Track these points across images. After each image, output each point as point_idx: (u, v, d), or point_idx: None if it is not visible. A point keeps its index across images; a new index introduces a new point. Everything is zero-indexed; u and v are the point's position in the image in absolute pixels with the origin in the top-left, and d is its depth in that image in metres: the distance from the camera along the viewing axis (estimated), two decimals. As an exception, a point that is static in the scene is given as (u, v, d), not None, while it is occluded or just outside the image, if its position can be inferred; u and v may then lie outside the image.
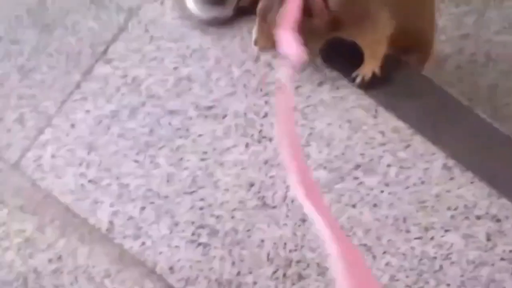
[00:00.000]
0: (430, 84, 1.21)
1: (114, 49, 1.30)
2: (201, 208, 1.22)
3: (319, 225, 0.78)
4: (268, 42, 1.15)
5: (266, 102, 1.24)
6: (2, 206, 1.24)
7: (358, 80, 1.24)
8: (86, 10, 1.32)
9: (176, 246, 1.21)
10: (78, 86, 1.29)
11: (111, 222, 1.23)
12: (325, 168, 1.21)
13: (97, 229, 1.22)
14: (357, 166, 1.21)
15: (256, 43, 1.17)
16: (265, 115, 1.24)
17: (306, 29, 1.10)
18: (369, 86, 1.23)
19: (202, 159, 1.23)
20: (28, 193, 1.25)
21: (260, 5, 1.14)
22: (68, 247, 1.22)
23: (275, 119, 0.94)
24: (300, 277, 1.20)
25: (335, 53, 1.22)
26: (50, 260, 1.22)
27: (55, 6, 1.34)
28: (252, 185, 1.22)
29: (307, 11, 1.09)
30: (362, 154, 1.21)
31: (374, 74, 1.22)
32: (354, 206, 1.20)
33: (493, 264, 1.18)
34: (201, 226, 1.22)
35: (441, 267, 1.18)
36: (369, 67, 1.22)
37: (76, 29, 1.32)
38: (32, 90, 1.29)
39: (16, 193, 1.25)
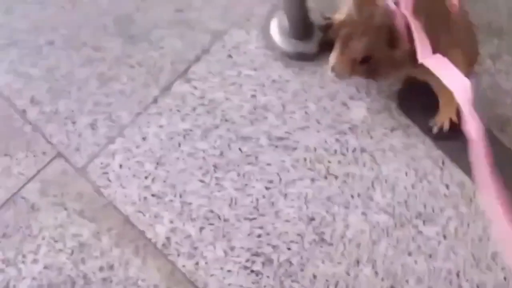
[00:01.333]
0: (500, 145, 1.47)
1: (195, 69, 1.58)
2: (259, 236, 1.47)
3: None
4: (345, 70, 1.37)
5: (337, 140, 1.50)
6: (62, 209, 1.50)
7: (435, 130, 1.49)
8: (173, 27, 1.61)
9: (229, 271, 1.45)
10: (155, 100, 1.56)
11: (168, 238, 1.47)
12: (386, 212, 1.45)
13: (153, 243, 1.47)
14: (418, 215, 1.46)
15: (333, 69, 1.38)
16: (334, 153, 1.50)
17: (388, 59, 1.35)
18: (445, 137, 1.49)
19: (267, 188, 1.48)
20: (89, 199, 1.51)
21: (342, 32, 1.36)
22: (121, 257, 1.47)
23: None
24: (348, 316, 1.40)
25: (412, 102, 1.49)
26: (101, 268, 1.47)
27: (142, 19, 1.62)
28: (312, 219, 1.47)
29: (390, 42, 1.32)
30: (424, 204, 1.46)
31: (452, 123, 1.47)
32: (410, 254, 1.43)
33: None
34: (257, 254, 1.45)
35: (488, 327, 1.37)
36: (445, 115, 1.47)
37: (160, 44, 1.60)
38: (108, 98, 1.57)
39: (78, 198, 1.51)
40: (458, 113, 1.35)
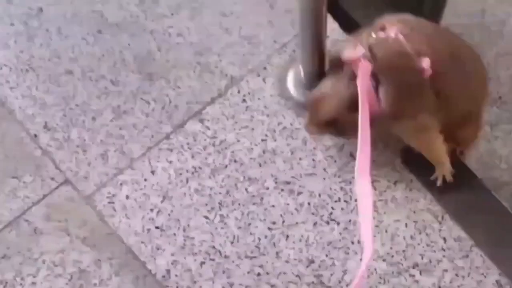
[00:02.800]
0: (497, 203, 1.60)
1: (210, 110, 1.69)
2: (258, 274, 1.56)
3: None
4: (315, 130, 1.53)
5: (341, 188, 1.61)
6: (65, 234, 1.59)
7: (439, 182, 1.61)
8: (191, 69, 1.73)
9: (226, 307, 1.49)
10: (167, 137, 1.67)
11: (168, 271, 1.56)
12: (384, 260, 1.55)
13: (153, 274, 1.56)
14: (415, 265, 1.56)
15: (306, 127, 1.55)
16: (338, 200, 1.61)
17: (352, 123, 1.44)
18: (448, 188, 1.61)
19: (270, 228, 1.58)
20: (93, 227, 1.60)
21: (311, 97, 1.53)
22: (120, 287, 1.56)
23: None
24: None
25: (416, 158, 1.60)
26: (99, 296, 1.50)
27: (162, 58, 1.74)
28: (312, 262, 1.56)
29: (352, 106, 1.44)
30: (422, 255, 1.57)
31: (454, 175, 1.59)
32: (405, 302, 1.50)
33: None
34: (255, 292, 1.50)
35: None
36: (440, 172, 1.61)
37: (177, 84, 1.72)
38: (122, 131, 1.68)
39: (82, 225, 1.60)
40: (452, 162, 1.60)
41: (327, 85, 1.51)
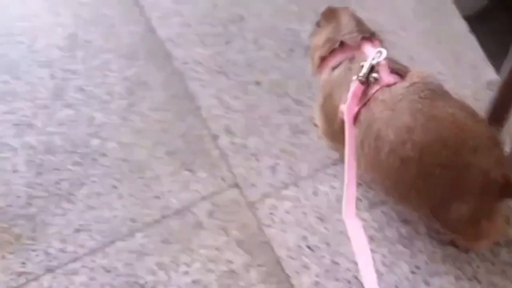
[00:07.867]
0: None
1: None
2: None
3: None
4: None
5: (491, 250, 1.67)
6: (223, 233, 1.71)
7: None
8: None
9: (360, 337, 1.55)
10: (335, 163, 1.76)
11: None
12: None
13: None
14: None
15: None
16: (485, 259, 1.67)
17: None
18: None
19: (413, 272, 1.65)
20: (251, 233, 1.71)
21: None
22: None
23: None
24: None
25: None
26: (247, 299, 1.58)
27: None
28: None
29: None
30: None
31: None
32: None
33: None
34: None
35: None
36: None
37: None
38: (294, 149, 1.79)
39: (241, 228, 1.72)
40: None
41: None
